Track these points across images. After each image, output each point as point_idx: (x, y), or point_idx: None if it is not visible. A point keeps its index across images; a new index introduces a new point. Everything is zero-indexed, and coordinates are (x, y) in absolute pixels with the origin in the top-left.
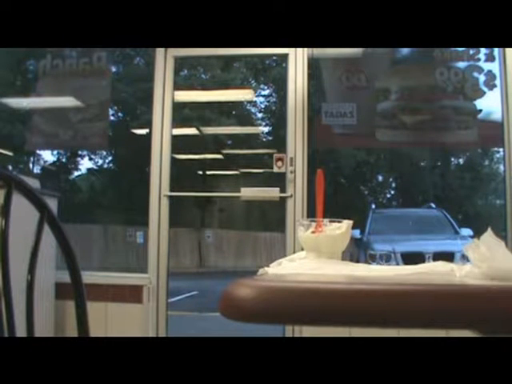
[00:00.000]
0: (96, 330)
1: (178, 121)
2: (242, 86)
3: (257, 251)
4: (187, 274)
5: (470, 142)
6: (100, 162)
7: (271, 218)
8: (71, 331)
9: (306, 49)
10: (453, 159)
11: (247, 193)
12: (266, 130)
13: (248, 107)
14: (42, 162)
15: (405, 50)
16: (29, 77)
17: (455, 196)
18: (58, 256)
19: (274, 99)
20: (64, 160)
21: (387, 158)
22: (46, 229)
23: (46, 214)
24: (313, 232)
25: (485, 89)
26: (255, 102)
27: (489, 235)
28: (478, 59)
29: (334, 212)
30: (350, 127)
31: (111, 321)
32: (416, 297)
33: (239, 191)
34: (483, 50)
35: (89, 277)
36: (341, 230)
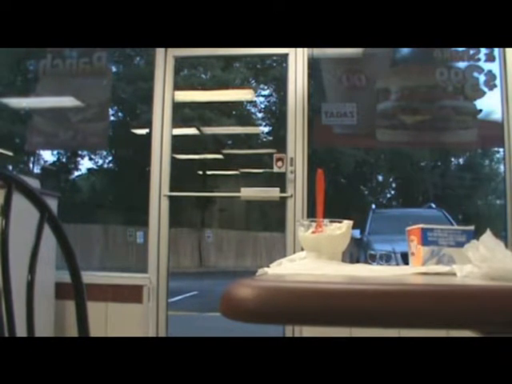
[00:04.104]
0: (96, 330)
1: (178, 121)
2: (242, 85)
3: (257, 251)
4: (187, 273)
5: (470, 142)
6: (100, 161)
7: (271, 218)
8: (71, 331)
9: (306, 49)
10: (453, 159)
11: (247, 193)
12: (266, 129)
13: (248, 107)
14: (42, 162)
15: (405, 50)
16: (29, 77)
17: (455, 196)
18: (58, 256)
19: (274, 99)
20: (64, 160)
21: (387, 158)
22: (47, 229)
23: (46, 214)
24: (313, 232)
25: (485, 89)
26: (255, 102)
27: (488, 236)
28: (478, 59)
29: (334, 212)
30: (350, 127)
31: (111, 321)
32: (416, 297)
33: (239, 191)
34: (483, 50)
35: (89, 277)
36: (341, 230)
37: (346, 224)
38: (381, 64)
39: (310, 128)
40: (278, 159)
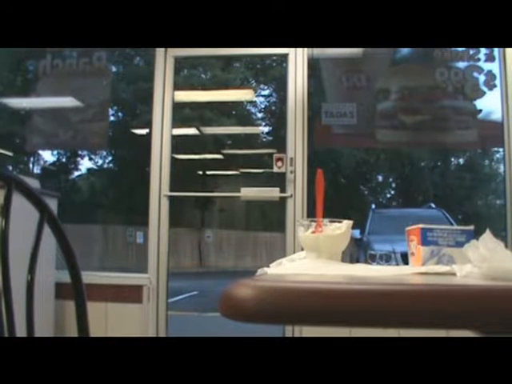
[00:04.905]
0: (96, 330)
1: (178, 121)
2: (242, 85)
3: (257, 251)
4: (187, 273)
5: (470, 142)
6: (100, 162)
7: (271, 218)
8: (71, 331)
9: (305, 49)
10: (453, 159)
11: (247, 193)
12: (265, 130)
13: (248, 107)
14: (42, 162)
15: (405, 50)
16: (29, 77)
17: (455, 196)
18: (58, 256)
19: (274, 99)
20: (64, 160)
21: (387, 158)
22: (46, 229)
23: (46, 215)
24: (313, 232)
25: (485, 89)
26: (255, 102)
27: (488, 236)
28: (478, 59)
29: (333, 212)
30: (350, 127)
31: (111, 321)
32: (416, 297)
33: (239, 191)
34: (483, 50)
35: (89, 277)
36: (341, 230)
37: (346, 224)
38: (381, 64)
39: (310, 128)
40: (278, 159)
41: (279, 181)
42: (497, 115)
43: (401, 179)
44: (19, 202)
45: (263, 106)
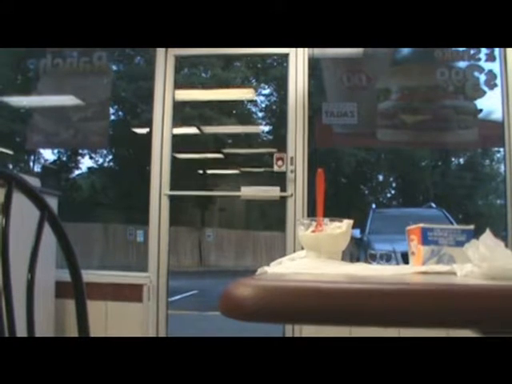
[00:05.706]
0: (96, 329)
1: (178, 120)
2: (242, 85)
3: (257, 250)
4: (187, 272)
5: (471, 142)
6: (100, 160)
7: (271, 217)
8: (71, 330)
9: (306, 49)
10: (453, 159)
11: (247, 192)
12: (266, 129)
13: (248, 106)
14: (42, 161)
15: (405, 50)
16: (30, 76)
17: (455, 196)
18: (58, 255)
19: (275, 98)
20: (64, 159)
21: (388, 157)
22: (47, 228)
23: (46, 213)
24: (313, 231)
25: (485, 88)
26: (256, 101)
27: (488, 235)
28: (479, 59)
29: (334, 211)
30: (350, 127)
31: (111, 320)
32: (416, 297)
33: (239, 190)
34: (484, 50)
35: (89, 275)
36: (341, 229)
37: (346, 223)
38: (381, 64)
39: (311, 127)
40: (279, 158)
41: (279, 180)
42: (497, 115)
43: (401, 179)
44: (20, 201)
45: (264, 106)
